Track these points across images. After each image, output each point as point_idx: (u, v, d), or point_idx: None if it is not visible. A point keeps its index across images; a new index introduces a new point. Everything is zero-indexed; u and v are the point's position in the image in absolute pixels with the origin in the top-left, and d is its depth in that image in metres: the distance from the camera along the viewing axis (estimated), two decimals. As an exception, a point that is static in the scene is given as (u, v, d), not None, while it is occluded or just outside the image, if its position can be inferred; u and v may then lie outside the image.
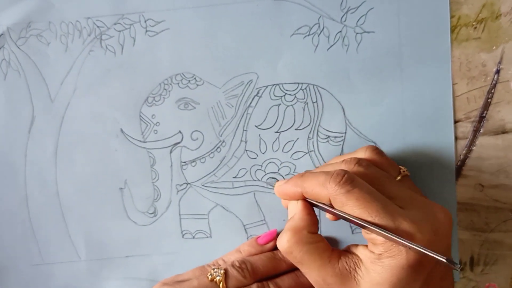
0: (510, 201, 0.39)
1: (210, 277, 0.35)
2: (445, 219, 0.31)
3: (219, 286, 0.35)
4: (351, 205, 0.30)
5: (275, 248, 0.38)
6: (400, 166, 0.35)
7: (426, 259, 0.28)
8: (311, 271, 0.32)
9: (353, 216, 0.30)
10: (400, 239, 0.28)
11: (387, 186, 0.32)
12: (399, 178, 0.34)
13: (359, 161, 0.33)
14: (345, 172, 0.30)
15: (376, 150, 0.35)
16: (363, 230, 0.31)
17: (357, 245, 0.32)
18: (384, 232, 0.28)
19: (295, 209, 0.33)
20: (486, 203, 0.39)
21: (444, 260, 0.26)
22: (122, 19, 0.38)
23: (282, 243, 0.32)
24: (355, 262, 0.31)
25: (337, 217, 0.32)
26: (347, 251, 0.32)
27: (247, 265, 0.36)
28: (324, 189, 0.31)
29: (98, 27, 0.38)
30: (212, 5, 0.38)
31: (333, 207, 0.31)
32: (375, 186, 0.31)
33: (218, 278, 0.35)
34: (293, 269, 0.37)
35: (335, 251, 0.32)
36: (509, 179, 0.39)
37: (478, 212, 0.39)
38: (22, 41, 0.38)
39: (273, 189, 0.39)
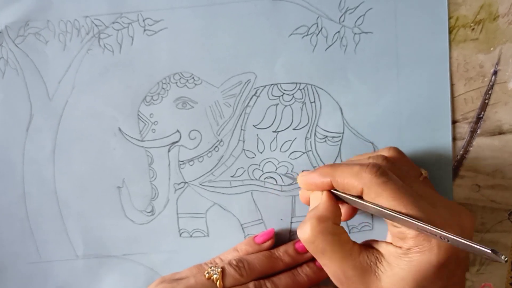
0: (506, 201, 0.39)
1: (207, 275, 0.35)
2: (470, 221, 0.31)
3: (216, 284, 0.35)
4: (385, 195, 0.29)
5: (272, 247, 0.39)
6: (421, 168, 0.35)
7: (454, 257, 0.28)
8: (331, 263, 0.31)
9: (386, 208, 0.29)
10: (441, 231, 0.27)
11: (414, 185, 0.31)
12: (420, 179, 0.34)
13: (386, 158, 0.32)
14: (379, 164, 0.30)
15: (399, 151, 0.35)
16: (390, 224, 0.30)
17: (377, 241, 0.32)
18: (422, 224, 0.27)
19: (320, 200, 0.32)
20: (483, 203, 0.40)
21: (490, 252, 0.25)
22: (120, 18, 0.38)
23: (305, 231, 0.31)
24: (376, 257, 0.31)
25: (362, 209, 0.31)
26: (368, 246, 0.32)
27: (244, 264, 0.36)
28: (357, 179, 0.30)
29: (96, 25, 0.38)
30: (210, 5, 0.38)
31: (362, 199, 0.30)
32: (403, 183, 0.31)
33: (215, 276, 0.35)
34: (290, 268, 0.38)
35: (356, 244, 0.32)
36: (505, 180, 0.39)
37: (474, 212, 0.40)
38: (20, 40, 0.38)
39: (273, 188, 0.39)
